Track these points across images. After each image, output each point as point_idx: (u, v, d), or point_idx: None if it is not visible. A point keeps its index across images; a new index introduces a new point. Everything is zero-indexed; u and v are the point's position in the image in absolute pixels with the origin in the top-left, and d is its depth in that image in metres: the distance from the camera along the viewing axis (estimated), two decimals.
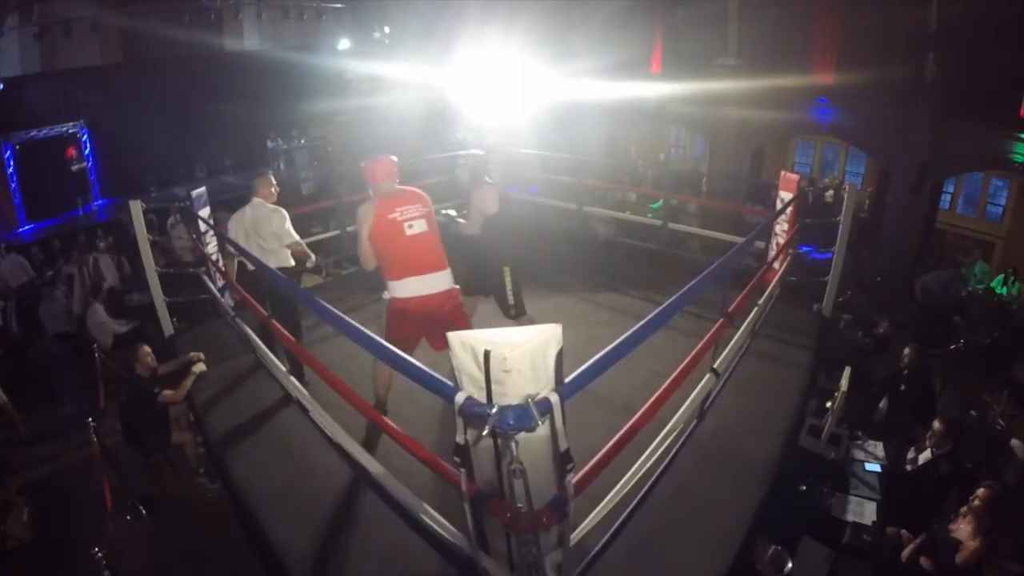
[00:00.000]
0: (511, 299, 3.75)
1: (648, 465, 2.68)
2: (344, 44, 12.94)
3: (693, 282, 2.49)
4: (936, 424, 3.76)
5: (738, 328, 3.45)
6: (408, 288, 3.07)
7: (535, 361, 1.56)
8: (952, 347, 5.87)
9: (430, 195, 3.34)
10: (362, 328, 2.07)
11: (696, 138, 12.21)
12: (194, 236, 5.24)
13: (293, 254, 4.04)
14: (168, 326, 4.77)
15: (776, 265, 4.60)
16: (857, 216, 8.20)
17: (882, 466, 3.95)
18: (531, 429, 1.48)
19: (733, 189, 10.16)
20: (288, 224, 4.00)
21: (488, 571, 1.95)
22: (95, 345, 5.67)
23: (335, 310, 2.28)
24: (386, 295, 3.16)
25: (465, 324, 3.16)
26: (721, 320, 2.99)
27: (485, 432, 1.58)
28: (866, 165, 10.50)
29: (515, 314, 3.76)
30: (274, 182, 4.18)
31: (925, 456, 3.83)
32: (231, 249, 4.02)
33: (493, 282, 3.77)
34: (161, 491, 4.49)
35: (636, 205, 9.93)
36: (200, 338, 4.63)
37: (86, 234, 9.05)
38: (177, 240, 7.41)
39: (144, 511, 4.34)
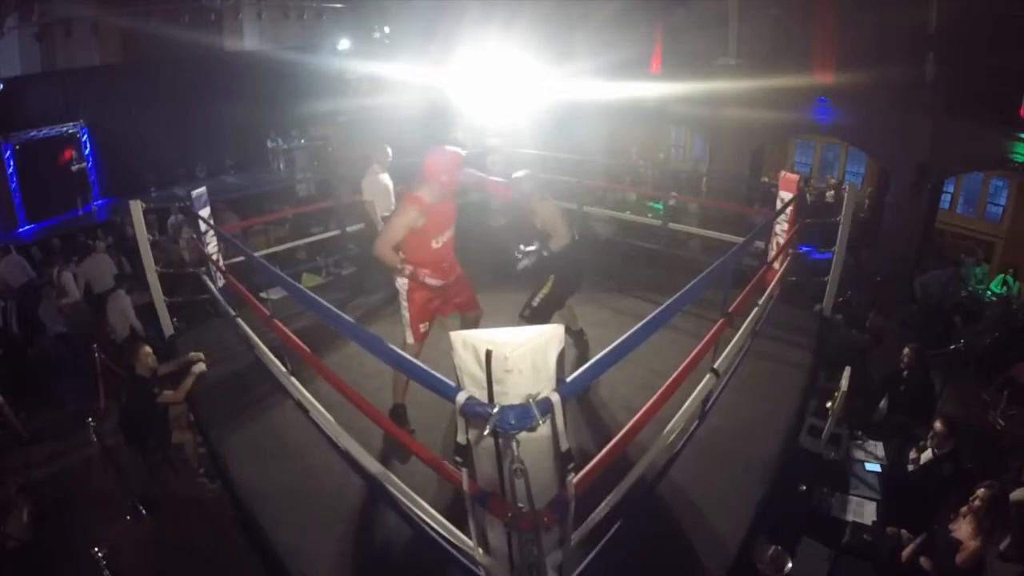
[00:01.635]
0: (535, 303, 3.62)
1: (648, 465, 2.68)
2: (344, 44, 12.93)
3: (693, 282, 2.49)
4: (937, 424, 3.76)
5: (738, 328, 3.45)
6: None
7: (536, 361, 1.56)
8: (952, 347, 5.87)
9: None
10: (363, 328, 2.07)
11: (696, 138, 12.21)
12: (194, 236, 5.26)
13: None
14: (168, 326, 4.77)
15: (776, 265, 4.61)
16: (857, 216, 8.20)
17: (882, 466, 3.95)
18: (532, 429, 1.48)
19: (733, 189, 10.16)
20: (367, 187, 5.06)
21: (488, 571, 1.95)
22: (95, 345, 5.67)
23: (336, 310, 2.28)
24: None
25: None
26: (721, 320, 2.99)
27: (486, 432, 1.58)
28: (866, 165, 10.51)
29: (528, 316, 3.62)
30: (388, 151, 5.20)
31: (926, 456, 3.83)
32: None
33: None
34: (161, 491, 4.49)
35: (636, 205, 9.94)
36: (200, 338, 4.63)
37: (85, 234, 9.05)
38: (183, 240, 7.39)
39: (144, 511, 4.33)
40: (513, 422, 1.45)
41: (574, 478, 1.75)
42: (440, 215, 3.15)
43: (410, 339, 3.31)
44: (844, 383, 4.13)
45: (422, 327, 3.30)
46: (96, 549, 3.34)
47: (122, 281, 6.72)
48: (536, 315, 3.61)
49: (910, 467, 3.94)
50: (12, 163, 9.70)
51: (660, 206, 8.59)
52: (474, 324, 3.59)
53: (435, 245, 3.17)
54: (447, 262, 3.32)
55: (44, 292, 6.97)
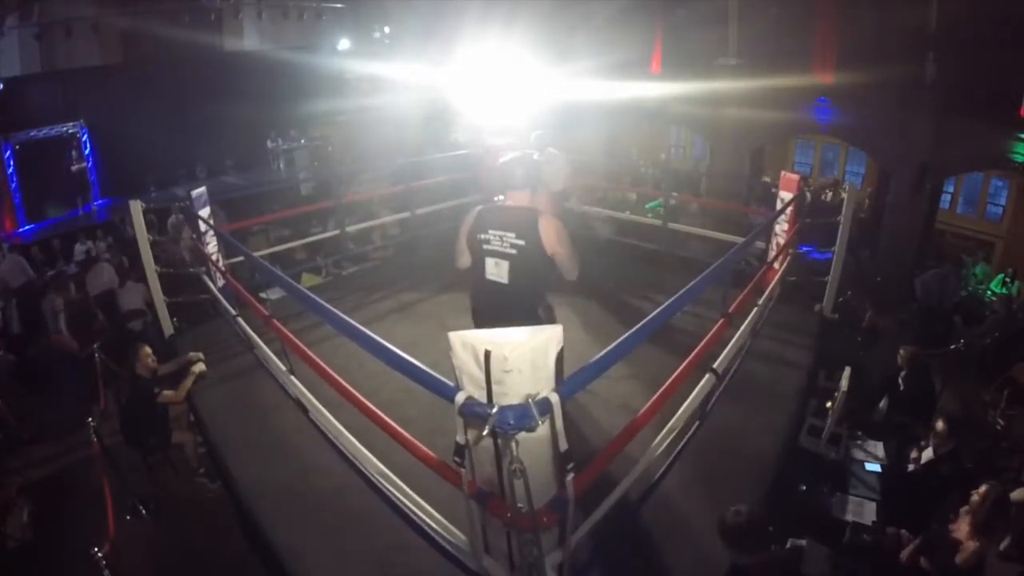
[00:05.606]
0: None
1: (648, 465, 2.68)
2: (344, 44, 12.93)
3: (693, 282, 2.49)
4: (938, 424, 3.76)
5: (738, 328, 3.45)
6: None
7: (535, 361, 1.56)
8: (952, 347, 5.86)
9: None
10: (362, 328, 2.07)
11: (696, 138, 12.21)
12: (194, 236, 5.25)
13: None
14: (168, 326, 4.77)
15: (776, 265, 4.60)
16: (857, 216, 8.19)
17: (882, 466, 3.94)
18: (531, 429, 1.48)
19: (733, 189, 10.16)
20: None
21: (488, 571, 1.95)
22: (95, 345, 5.67)
23: (335, 310, 2.28)
24: None
25: None
26: (721, 320, 2.99)
27: (485, 432, 1.58)
28: (866, 165, 10.50)
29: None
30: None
31: (927, 456, 3.83)
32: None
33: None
34: (161, 491, 4.49)
35: (636, 205, 9.95)
36: (200, 338, 4.62)
37: (85, 235, 9.06)
38: (183, 240, 7.37)
39: (144, 511, 4.33)
40: (512, 422, 1.45)
41: (573, 478, 1.75)
42: None
43: None
44: (844, 383, 4.13)
45: None
46: (96, 549, 3.34)
47: (127, 278, 6.74)
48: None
49: (910, 467, 3.93)
50: (12, 163, 9.71)
51: (658, 205, 8.59)
52: None
53: None
54: None
55: (45, 292, 6.97)
